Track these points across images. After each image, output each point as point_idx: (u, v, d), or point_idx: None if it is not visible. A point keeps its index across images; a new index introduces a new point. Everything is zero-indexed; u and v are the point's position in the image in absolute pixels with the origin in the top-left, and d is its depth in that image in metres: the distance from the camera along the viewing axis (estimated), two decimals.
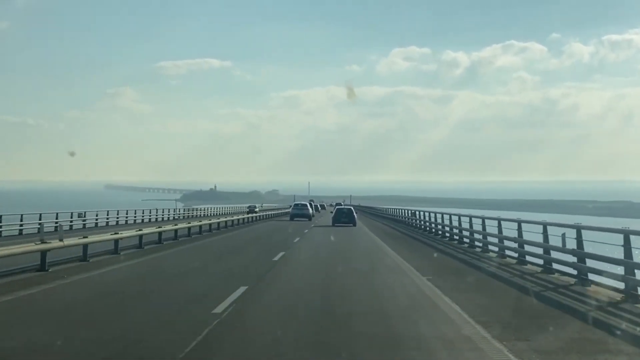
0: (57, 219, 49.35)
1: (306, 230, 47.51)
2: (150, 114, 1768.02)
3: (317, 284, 19.00)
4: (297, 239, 37.49)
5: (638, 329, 12.56)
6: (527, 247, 23.74)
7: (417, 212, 52.32)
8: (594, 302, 15.42)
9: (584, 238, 18.72)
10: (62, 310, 14.61)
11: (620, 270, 16.26)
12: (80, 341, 11.40)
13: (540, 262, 22.16)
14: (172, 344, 11.02)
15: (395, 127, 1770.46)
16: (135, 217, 64.51)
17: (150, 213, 70.35)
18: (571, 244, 19.18)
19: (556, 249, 20.61)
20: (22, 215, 46.87)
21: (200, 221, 49.02)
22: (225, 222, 52.90)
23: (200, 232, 43.29)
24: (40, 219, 47.13)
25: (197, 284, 18.80)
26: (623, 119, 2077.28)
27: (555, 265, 20.88)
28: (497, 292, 17.39)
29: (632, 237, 16.21)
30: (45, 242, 21.81)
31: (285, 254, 27.80)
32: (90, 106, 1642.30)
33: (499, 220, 27.22)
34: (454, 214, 38.21)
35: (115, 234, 28.06)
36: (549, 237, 21.54)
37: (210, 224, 48.27)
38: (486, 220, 29.78)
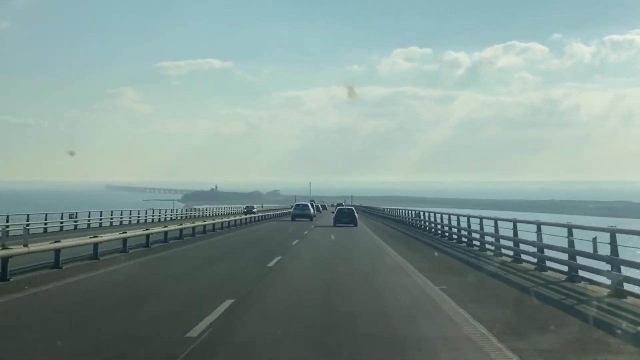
0: (46, 219, 47.58)
1: (306, 232, 46.46)
2: (151, 114, 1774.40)
3: (316, 291, 17.71)
4: (295, 242, 36.09)
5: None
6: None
7: (422, 213, 52.67)
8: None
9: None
10: None
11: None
12: None
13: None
14: None
15: (396, 127, 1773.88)
16: (130, 217, 62.81)
17: (146, 214, 68.34)
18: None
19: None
20: (7, 216, 44.16)
21: (193, 222, 45.14)
22: (221, 223, 50.41)
23: (193, 234, 39.96)
24: (27, 220, 44.53)
25: (175, 298, 16.28)
26: (624, 119, 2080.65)
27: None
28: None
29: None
30: (7, 248, 19.40)
31: (283, 257, 26.19)
32: (90, 106, 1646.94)
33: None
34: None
35: (95, 237, 25.77)
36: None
37: (204, 225, 45.28)
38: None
